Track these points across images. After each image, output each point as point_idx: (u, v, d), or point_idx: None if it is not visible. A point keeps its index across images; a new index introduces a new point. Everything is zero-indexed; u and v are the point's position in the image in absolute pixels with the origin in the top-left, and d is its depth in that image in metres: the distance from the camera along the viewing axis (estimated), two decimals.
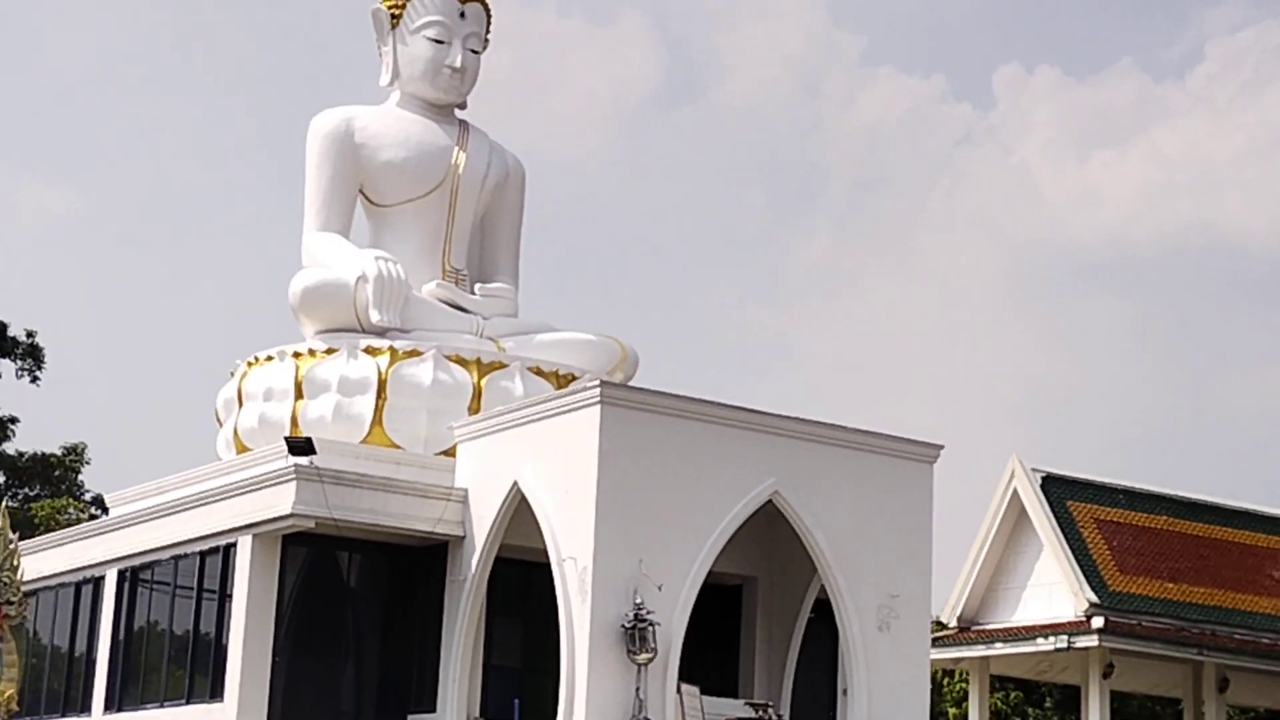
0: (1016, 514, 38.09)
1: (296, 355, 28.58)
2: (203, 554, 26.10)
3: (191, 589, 26.34)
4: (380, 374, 27.85)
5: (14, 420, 54.03)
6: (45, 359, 53.76)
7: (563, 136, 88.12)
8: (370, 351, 28.17)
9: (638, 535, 23.55)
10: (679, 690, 23.73)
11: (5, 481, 54.09)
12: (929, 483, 25.99)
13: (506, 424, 25.18)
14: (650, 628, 23.12)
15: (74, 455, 55.26)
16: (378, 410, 27.72)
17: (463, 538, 25.44)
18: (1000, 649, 37.73)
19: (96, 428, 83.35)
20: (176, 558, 26.76)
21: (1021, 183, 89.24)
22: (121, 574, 28.06)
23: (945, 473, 26.12)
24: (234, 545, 25.42)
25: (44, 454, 54.79)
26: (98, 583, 28.67)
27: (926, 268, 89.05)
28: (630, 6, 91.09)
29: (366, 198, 30.87)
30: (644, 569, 23.46)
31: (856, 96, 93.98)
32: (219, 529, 25.77)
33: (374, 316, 28.62)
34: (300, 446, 25.20)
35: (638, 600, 23.22)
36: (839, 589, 24.93)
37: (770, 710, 24.64)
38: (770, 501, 24.72)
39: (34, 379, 53.45)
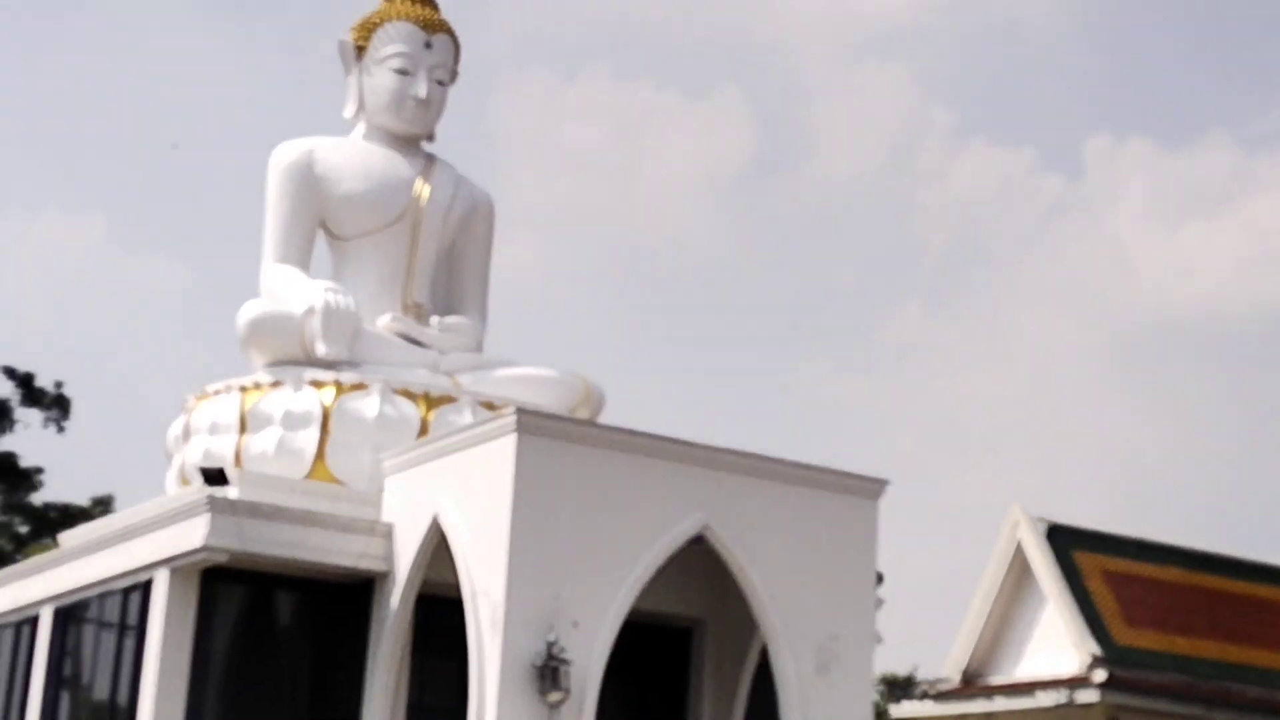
0: (1020, 565, 36.86)
1: (243, 389, 27.86)
2: (125, 591, 25.33)
3: (114, 629, 25.56)
4: (324, 407, 27.06)
5: (40, 470, 53.84)
6: (72, 409, 53.59)
7: (657, 210, 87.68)
8: (315, 384, 27.39)
9: (554, 570, 22.57)
10: None
11: (30, 532, 53.85)
12: (873, 519, 24.86)
13: (428, 455, 24.32)
14: (562, 666, 22.10)
15: (102, 506, 54.92)
16: (321, 445, 26.90)
17: (388, 574, 24.54)
18: (1002, 703, 36.36)
19: (124, 479, 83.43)
20: (103, 595, 26.00)
21: (1114, 253, 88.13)
22: (56, 613, 27.34)
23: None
24: (151, 582, 24.62)
25: (71, 505, 54.53)
26: (34, 623, 27.95)
27: (1019, 339, 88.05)
28: (725, 80, 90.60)
29: (328, 230, 30.18)
30: (559, 605, 22.46)
31: (948, 169, 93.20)
32: (138, 565, 24.98)
33: (320, 349, 27.85)
34: (214, 476, 24.42)
35: (550, 638, 22.21)
36: (774, 629, 23.83)
37: None
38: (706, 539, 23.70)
39: (60, 429, 53.25)
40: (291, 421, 27.17)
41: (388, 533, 24.66)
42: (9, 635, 28.66)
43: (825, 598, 24.18)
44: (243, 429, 27.45)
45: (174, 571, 24.20)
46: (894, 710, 39.08)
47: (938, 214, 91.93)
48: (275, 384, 27.67)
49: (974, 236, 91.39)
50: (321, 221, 30.07)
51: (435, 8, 31.23)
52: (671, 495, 23.46)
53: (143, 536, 25.08)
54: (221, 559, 23.76)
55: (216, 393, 28.25)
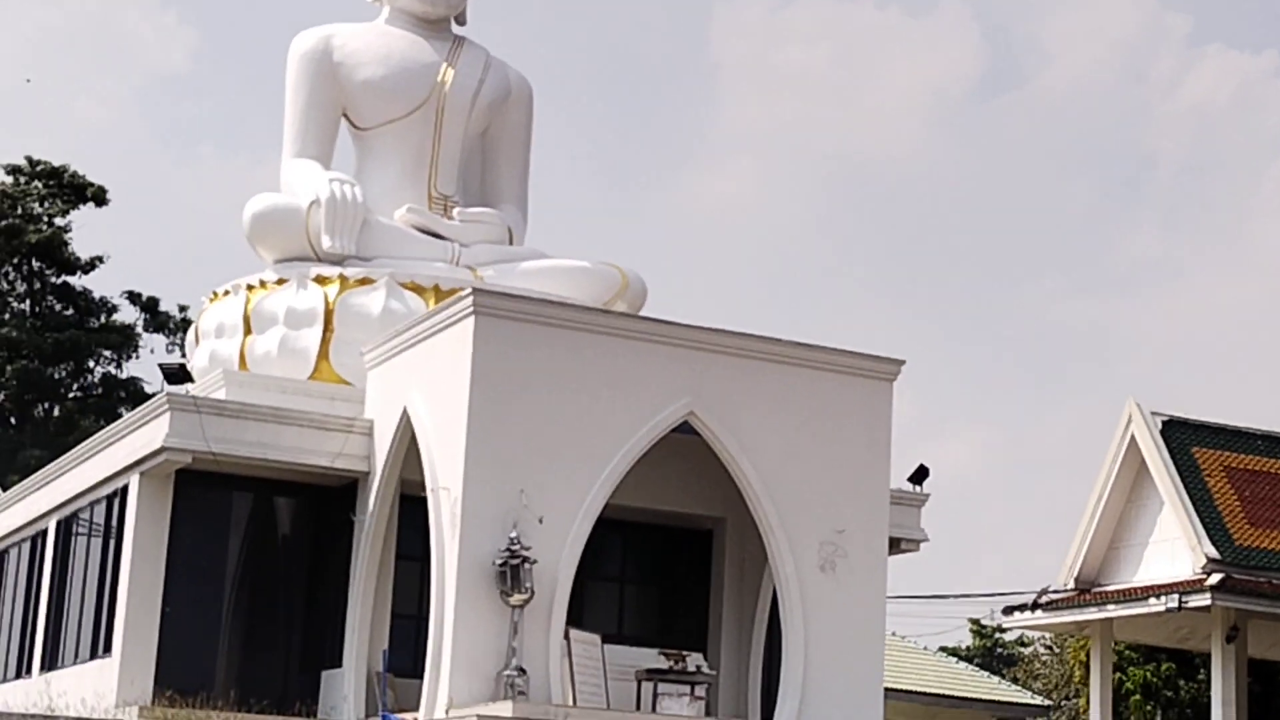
0: (1137, 464, 34.20)
1: (249, 288, 26.51)
2: (108, 498, 24.14)
3: (100, 536, 24.40)
4: (328, 304, 25.60)
5: None
6: None
7: (882, 130, 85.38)
8: (320, 280, 25.94)
9: (518, 462, 20.85)
10: (566, 637, 20.95)
11: None
12: (887, 403, 22.72)
13: (401, 346, 22.70)
14: (525, 565, 20.38)
15: None
16: (324, 343, 25.48)
17: (370, 474, 23.02)
18: (1114, 611, 33.84)
19: None
20: (92, 504, 24.87)
21: None
22: (58, 525, 26.29)
23: None
24: (127, 487, 23.38)
25: None
26: (43, 535, 26.95)
27: (1259, 253, 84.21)
28: None
29: (350, 120, 28.64)
30: (524, 500, 20.74)
31: (1183, 78, 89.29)
32: (115, 470, 23.78)
33: (325, 242, 26.37)
34: (173, 374, 23.09)
35: (512, 534, 20.50)
36: (770, 523, 21.86)
37: (687, 660, 21.62)
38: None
39: (184, 354, 52.63)
40: (295, 320, 25.77)
41: (368, 430, 23.10)
42: (26, 548, 27.73)
43: (831, 490, 22.17)
44: (247, 330, 26.12)
45: (144, 475, 22.94)
46: (1005, 621, 36.85)
47: (1172, 124, 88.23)
48: (280, 281, 26.28)
49: (1211, 147, 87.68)
50: (343, 111, 28.53)
51: None
52: (653, 381, 21.60)
53: (119, 443, 23.86)
54: (185, 460, 22.42)
55: (225, 294, 26.95)
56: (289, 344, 25.62)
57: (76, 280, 51.91)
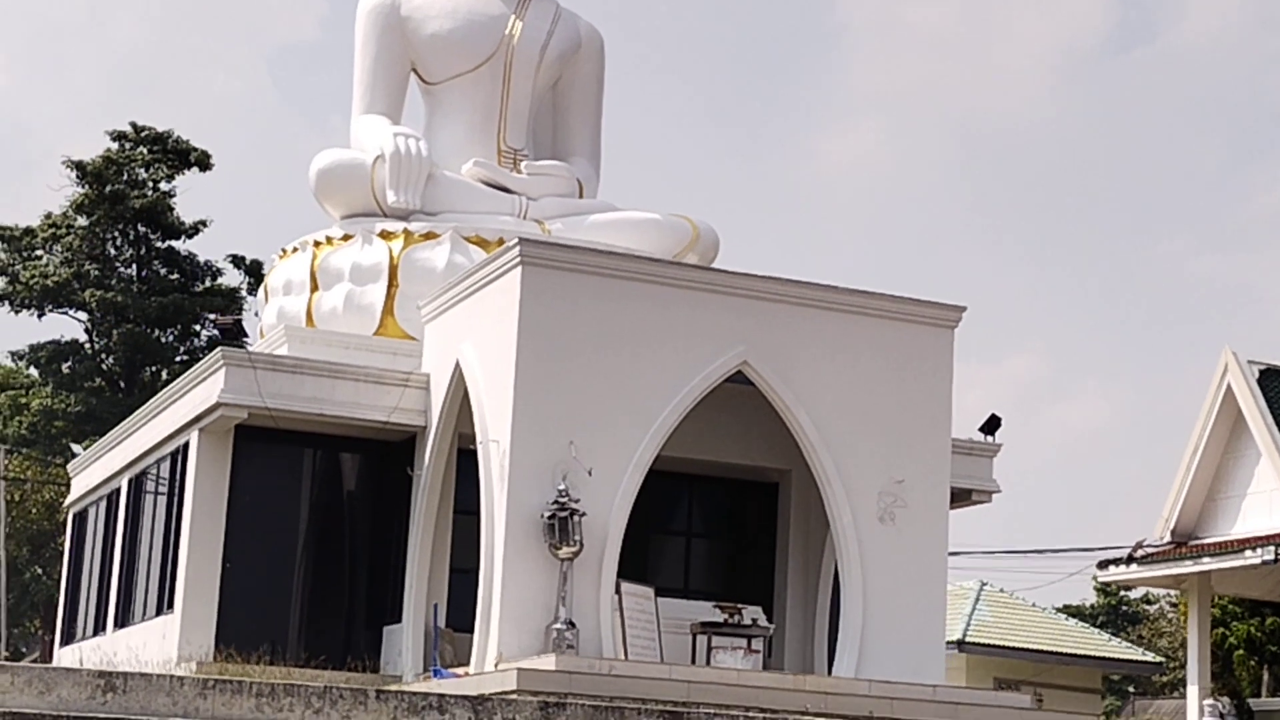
0: (1234, 415, 33.40)
1: (316, 244, 26.45)
2: (172, 455, 24.17)
3: (164, 494, 24.45)
4: (392, 259, 25.47)
5: None
6: None
7: (1012, 88, 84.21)
8: (384, 236, 25.83)
9: (568, 414, 20.61)
10: (618, 590, 20.71)
11: None
12: (948, 351, 22.24)
13: (454, 299, 22.51)
14: (574, 517, 20.15)
15: None
16: (389, 299, 25.36)
17: (426, 428, 22.88)
18: (1210, 564, 33.11)
19: None
20: (158, 461, 24.92)
21: None
22: (129, 482, 26.39)
23: None
24: (188, 444, 23.39)
25: None
26: (116, 495, 27.08)
27: None
28: None
29: (419, 75, 28.47)
30: (574, 452, 20.51)
31: None
32: (177, 427, 23.80)
33: (390, 197, 26.23)
34: (229, 330, 23.04)
35: (561, 486, 20.27)
36: (825, 474, 21.49)
37: (743, 613, 21.32)
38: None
39: None
40: (360, 275, 25.68)
41: (425, 384, 22.94)
42: (103, 506, 27.87)
43: (890, 439, 21.74)
44: (314, 286, 26.06)
45: (203, 432, 22.91)
46: (1100, 575, 36.17)
47: None
48: (346, 237, 26.19)
49: None
50: (412, 66, 28.36)
51: None
52: (705, 330, 21.26)
53: (181, 400, 23.87)
54: (240, 416, 22.37)
55: (294, 250, 26.91)
56: (354, 300, 25.54)
57: (181, 245, 52.26)
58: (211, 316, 49.95)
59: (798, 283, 21.78)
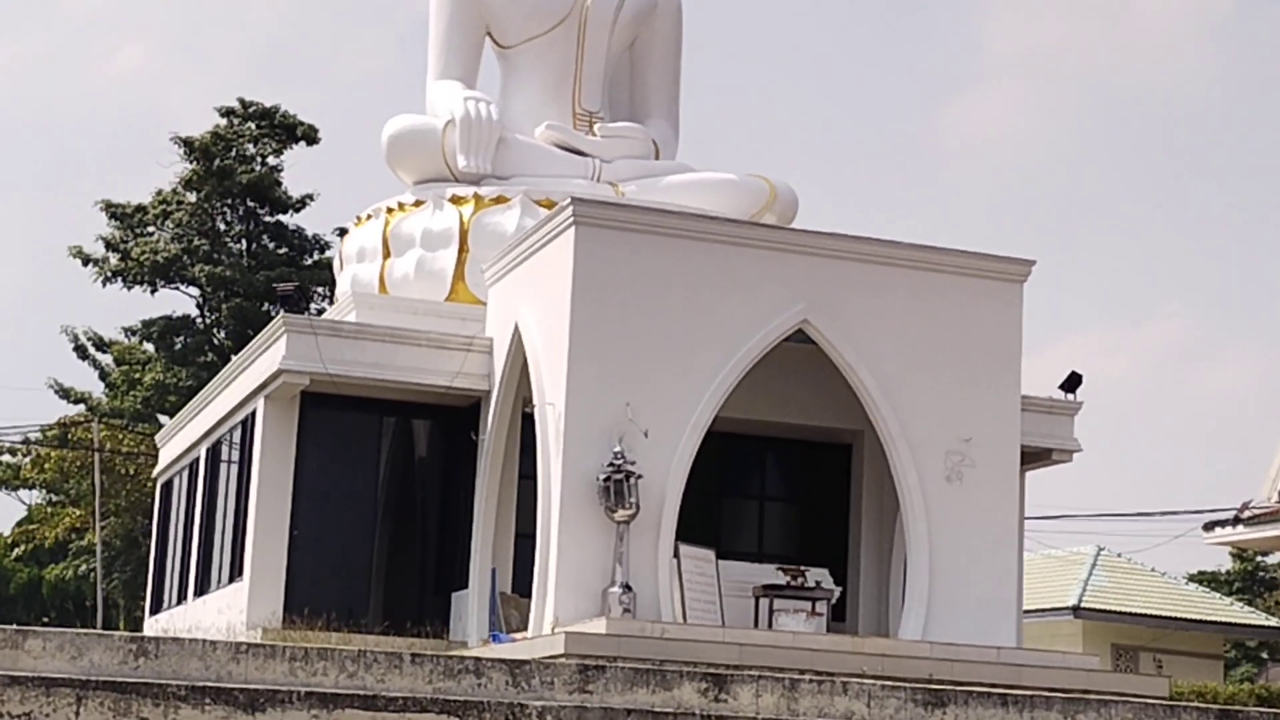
0: None
1: (389, 211, 26.36)
2: (242, 424, 24.18)
3: (236, 463, 24.47)
4: (463, 224, 25.32)
5: None
6: None
7: (1152, 48, 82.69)
8: (455, 201, 25.69)
9: (623, 375, 20.35)
10: (676, 554, 20.42)
11: None
12: (1017, 305, 21.73)
13: (514, 262, 22.29)
14: (629, 480, 19.88)
15: None
16: (460, 264, 25.22)
17: (490, 392, 22.69)
18: None
19: None
20: (230, 429, 24.94)
21: None
22: (206, 452, 26.44)
23: None
24: (255, 412, 23.37)
25: None
26: (195, 464, 27.16)
27: None
28: None
29: (493, 40, 28.27)
30: (630, 414, 20.23)
31: None
32: (245, 395, 23.79)
33: (461, 162, 26.08)
34: (290, 296, 22.97)
35: (616, 449, 20.01)
36: (889, 433, 21.08)
37: (806, 575, 20.96)
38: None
39: None
40: (431, 241, 25.56)
41: (488, 348, 22.76)
42: (185, 476, 27.98)
43: (957, 397, 21.28)
44: (386, 253, 25.98)
45: (269, 399, 22.87)
46: (1205, 538, 35.36)
47: None
48: (417, 203, 26.08)
49: None
50: (486, 30, 28.16)
51: None
52: (763, 289, 20.90)
53: (250, 369, 23.85)
54: (303, 382, 22.31)
55: (368, 218, 26.84)
56: (425, 265, 25.42)
57: (289, 219, 52.46)
58: (320, 289, 50.13)
59: (859, 239, 21.36)
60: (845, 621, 23.05)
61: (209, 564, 25.54)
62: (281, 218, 52.40)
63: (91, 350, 53.55)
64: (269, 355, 22.79)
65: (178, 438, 28.60)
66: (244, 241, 52.32)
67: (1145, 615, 43.43)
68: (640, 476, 19.94)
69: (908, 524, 21.04)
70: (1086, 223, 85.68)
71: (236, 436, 24.40)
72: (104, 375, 52.96)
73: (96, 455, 47.47)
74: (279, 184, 52.32)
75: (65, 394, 53.03)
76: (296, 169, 52.62)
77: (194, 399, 28.18)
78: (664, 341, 20.51)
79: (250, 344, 24.20)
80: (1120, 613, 43.04)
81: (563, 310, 20.44)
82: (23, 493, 58.10)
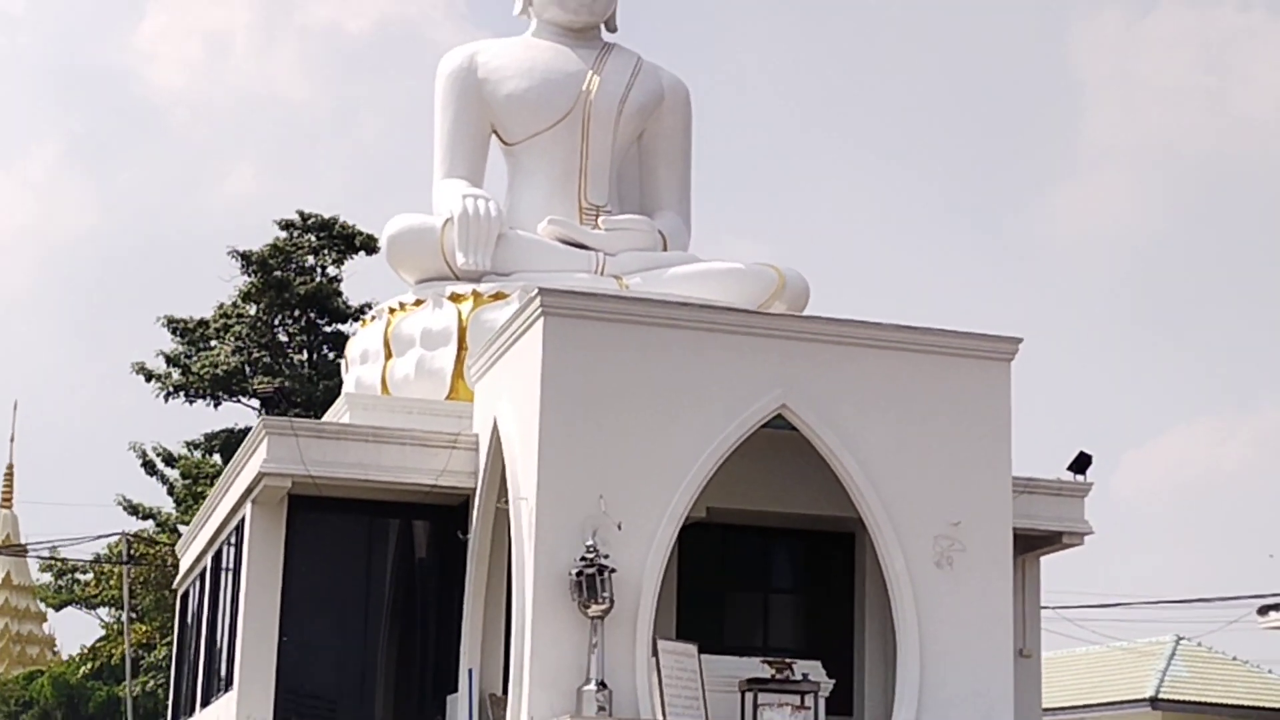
0: None
1: (391, 311, 26.18)
2: (235, 530, 23.93)
3: (230, 570, 24.20)
4: (461, 321, 25.06)
5: None
6: None
7: (1249, 139, 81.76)
8: (454, 298, 25.44)
9: (596, 466, 19.91)
10: (655, 650, 19.87)
11: None
12: (1005, 385, 21.13)
13: (495, 356, 21.96)
14: (602, 574, 19.40)
15: None
16: (459, 362, 24.92)
17: (476, 490, 22.31)
18: None
19: None
20: (227, 536, 24.69)
21: None
22: (212, 559, 26.21)
23: None
24: (244, 518, 23.11)
25: None
26: (203, 574, 26.92)
27: None
28: None
29: (499, 137, 28.10)
30: (603, 506, 19.78)
31: None
32: (235, 501, 23.56)
33: (460, 259, 25.86)
34: (270, 398, 22.74)
35: (589, 542, 19.56)
36: (874, 519, 20.51)
37: (793, 668, 20.34)
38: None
39: None
40: (430, 340, 25.32)
41: (474, 445, 22.40)
42: (196, 586, 27.75)
43: (944, 480, 20.69)
44: (388, 354, 25.77)
45: (255, 504, 22.60)
46: (1260, 622, 34.41)
47: None
48: (418, 302, 25.88)
49: None
50: (491, 128, 28.00)
51: None
52: (741, 374, 20.43)
53: (240, 474, 23.61)
54: (285, 485, 22.02)
55: (372, 319, 26.68)
56: (425, 365, 25.17)
57: (349, 328, 52.51)
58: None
59: (839, 321, 20.89)
60: (852, 715, 22.42)
61: (210, 675, 25.24)
62: (341, 327, 52.48)
63: (160, 465, 53.75)
64: (254, 460, 22.53)
65: (191, 546, 28.41)
66: (305, 352, 52.43)
67: (1226, 705, 42.39)
68: (614, 570, 19.46)
69: (896, 612, 20.42)
70: (1190, 314, 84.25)
71: (232, 543, 24.14)
72: (171, 490, 53.11)
73: (127, 569, 47.31)
74: (339, 294, 52.46)
75: (134, 510, 53.18)
76: (356, 278, 52.69)
77: (203, 506, 27.99)
78: (638, 431, 20.08)
79: (240, 449, 23.97)
80: (1200, 703, 42.05)
81: (534, 402, 20.07)
82: (102, 610, 58.38)
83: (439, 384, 24.95)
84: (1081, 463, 23.47)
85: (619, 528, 19.70)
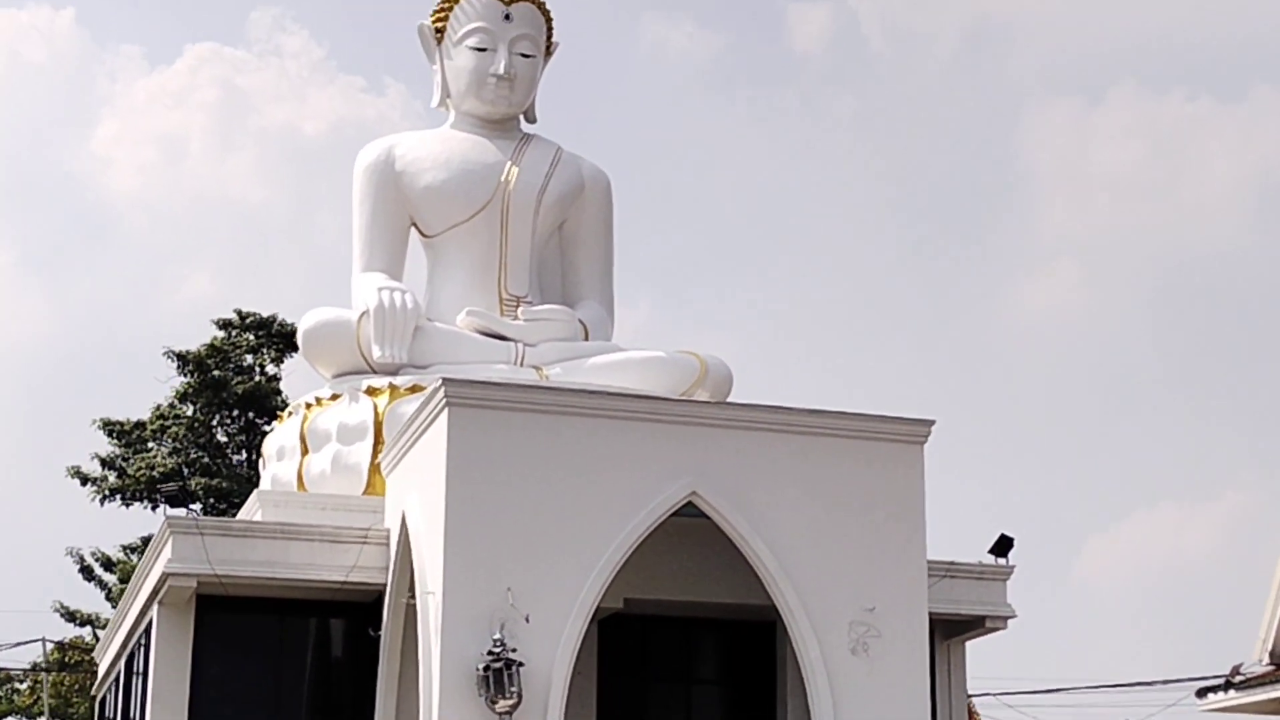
0: None
1: (307, 406, 25.82)
2: (144, 633, 23.46)
3: (140, 674, 23.70)
4: (377, 415, 24.70)
5: None
6: None
7: (1207, 227, 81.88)
8: (370, 392, 25.08)
9: (504, 559, 19.58)
10: None
11: None
12: (918, 468, 20.90)
13: (403, 449, 21.64)
14: (510, 668, 19.03)
15: None
16: (375, 456, 24.53)
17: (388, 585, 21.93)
18: None
19: None
20: (136, 639, 24.22)
21: None
22: (124, 665, 25.70)
23: None
24: (152, 620, 22.65)
25: None
26: (117, 679, 26.41)
27: None
28: (1260, 81, 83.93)
29: (418, 229, 27.84)
30: (511, 599, 19.42)
31: None
32: (143, 604, 23.13)
33: (375, 352, 25.54)
34: (174, 496, 22.34)
35: (496, 636, 19.18)
36: (787, 605, 20.18)
37: None
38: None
39: None
40: (346, 435, 24.94)
41: (385, 540, 22.03)
42: (113, 691, 27.20)
43: (859, 565, 20.41)
44: (304, 450, 25.38)
45: (162, 606, 22.15)
46: (1200, 704, 34.00)
47: None
48: (334, 397, 25.52)
49: None
50: (410, 220, 27.74)
51: None
52: (648, 462, 20.16)
53: (147, 577, 23.18)
54: (190, 584, 21.59)
55: (289, 414, 26.32)
56: (341, 460, 24.80)
57: None
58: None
59: (747, 406, 20.67)
60: None
61: None
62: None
63: (98, 570, 53.08)
64: (159, 560, 22.11)
65: (108, 651, 27.88)
66: (244, 452, 51.92)
67: None
68: (522, 664, 19.08)
69: (812, 701, 20.09)
70: (1149, 408, 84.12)
71: (142, 645, 23.65)
72: (110, 595, 52.42)
73: (46, 677, 46.57)
74: (278, 392, 51.96)
75: (72, 616, 52.47)
76: (295, 376, 52.23)
77: (116, 609, 27.48)
78: (546, 522, 19.76)
79: (148, 549, 23.54)
80: None
81: (440, 494, 19.74)
82: None
83: (355, 479, 24.57)
84: (1003, 545, 23.20)
85: (527, 620, 19.35)
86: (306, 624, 22.72)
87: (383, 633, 21.60)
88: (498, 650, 19.08)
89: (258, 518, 23.60)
